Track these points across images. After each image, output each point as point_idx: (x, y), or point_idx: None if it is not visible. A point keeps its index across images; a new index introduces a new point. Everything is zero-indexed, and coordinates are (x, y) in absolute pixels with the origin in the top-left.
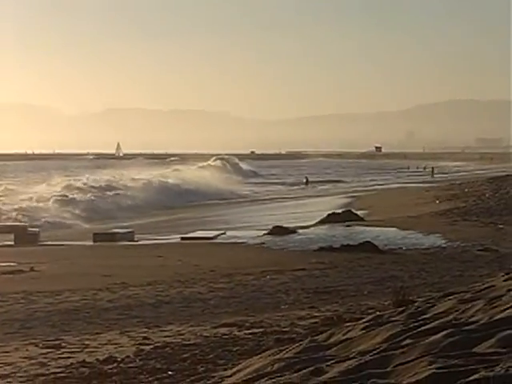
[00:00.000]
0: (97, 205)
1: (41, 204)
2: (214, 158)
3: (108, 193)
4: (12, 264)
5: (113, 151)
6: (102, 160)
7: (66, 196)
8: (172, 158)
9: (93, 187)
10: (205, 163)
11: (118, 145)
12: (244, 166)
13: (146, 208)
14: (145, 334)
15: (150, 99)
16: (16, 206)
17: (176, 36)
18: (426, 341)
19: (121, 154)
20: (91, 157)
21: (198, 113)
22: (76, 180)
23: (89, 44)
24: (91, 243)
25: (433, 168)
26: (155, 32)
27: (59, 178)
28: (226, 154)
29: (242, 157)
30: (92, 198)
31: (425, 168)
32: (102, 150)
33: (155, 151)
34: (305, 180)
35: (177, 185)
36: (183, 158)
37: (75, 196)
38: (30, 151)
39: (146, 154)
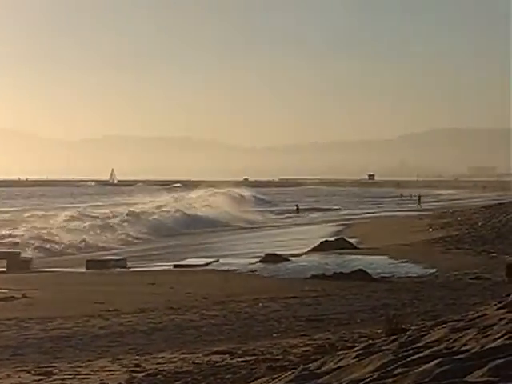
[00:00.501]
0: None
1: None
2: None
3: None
4: (4, 291)
5: (106, 177)
6: (104, 187)
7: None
8: (175, 185)
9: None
10: (212, 190)
11: (112, 171)
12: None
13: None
14: (137, 362)
15: (136, 126)
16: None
17: (164, 63)
18: (418, 370)
19: (115, 181)
20: (93, 183)
21: (184, 139)
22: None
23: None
24: (84, 270)
25: (419, 196)
26: (139, 59)
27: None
28: (220, 181)
29: (236, 184)
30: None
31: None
32: (94, 176)
33: (147, 178)
34: (295, 207)
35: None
36: (186, 185)
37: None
38: (23, 177)
39: (140, 181)
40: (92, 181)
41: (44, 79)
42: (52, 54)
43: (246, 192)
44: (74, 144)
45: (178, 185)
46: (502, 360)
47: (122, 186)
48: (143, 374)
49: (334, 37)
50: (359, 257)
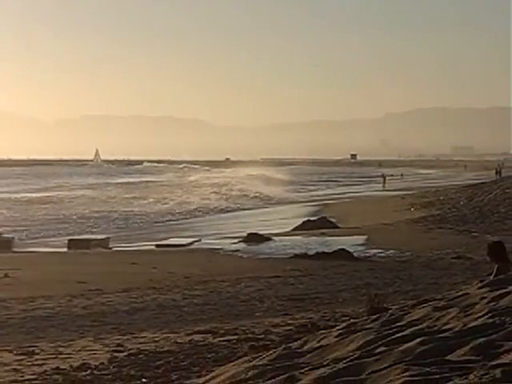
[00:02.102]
0: None
1: None
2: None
3: None
4: None
5: (88, 157)
6: (113, 167)
7: None
8: (184, 165)
9: None
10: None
11: (97, 151)
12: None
13: None
14: (119, 341)
15: (119, 105)
16: None
17: (150, 42)
18: (400, 348)
19: (99, 161)
20: (101, 162)
21: (167, 119)
22: None
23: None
24: (66, 250)
25: (384, 177)
26: (126, 39)
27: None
28: (202, 161)
29: (216, 164)
30: None
31: (401, 175)
32: (78, 156)
33: (131, 157)
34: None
35: None
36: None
37: None
38: (5, 157)
39: (126, 161)
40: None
41: (18, 56)
42: (25, 30)
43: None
44: (52, 124)
45: (184, 165)
46: (484, 339)
47: (130, 165)
48: (125, 353)
49: (318, 16)
50: (341, 236)
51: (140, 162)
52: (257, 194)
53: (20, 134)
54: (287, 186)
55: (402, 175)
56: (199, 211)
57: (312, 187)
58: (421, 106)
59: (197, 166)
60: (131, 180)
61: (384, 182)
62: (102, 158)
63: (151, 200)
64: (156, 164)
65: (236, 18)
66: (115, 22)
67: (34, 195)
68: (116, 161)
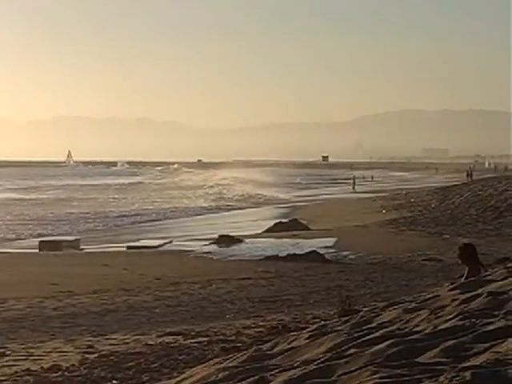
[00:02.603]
0: None
1: None
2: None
3: None
4: None
5: (62, 159)
6: (90, 168)
7: None
8: (175, 166)
9: None
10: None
11: (69, 152)
12: None
13: None
14: (90, 343)
15: (94, 107)
16: None
17: (125, 44)
18: (370, 350)
19: (71, 162)
20: (74, 163)
21: (144, 121)
22: None
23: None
24: (37, 251)
25: (354, 179)
26: (100, 40)
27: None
28: (175, 162)
29: (189, 165)
30: None
31: (372, 177)
32: (50, 157)
33: (104, 159)
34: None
35: None
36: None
37: None
38: None
39: (98, 162)
40: (76, 161)
41: None
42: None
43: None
44: (23, 125)
45: (176, 166)
46: (455, 341)
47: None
48: (96, 355)
49: (290, 19)
50: (313, 238)
51: (114, 164)
52: (242, 196)
53: None
54: (269, 187)
55: (372, 178)
56: (173, 212)
57: (288, 189)
58: (395, 108)
59: (175, 166)
60: (108, 182)
61: (354, 184)
62: (75, 159)
63: (126, 201)
64: (128, 165)
65: (208, 20)
66: (89, 22)
67: (4, 196)
68: (90, 162)
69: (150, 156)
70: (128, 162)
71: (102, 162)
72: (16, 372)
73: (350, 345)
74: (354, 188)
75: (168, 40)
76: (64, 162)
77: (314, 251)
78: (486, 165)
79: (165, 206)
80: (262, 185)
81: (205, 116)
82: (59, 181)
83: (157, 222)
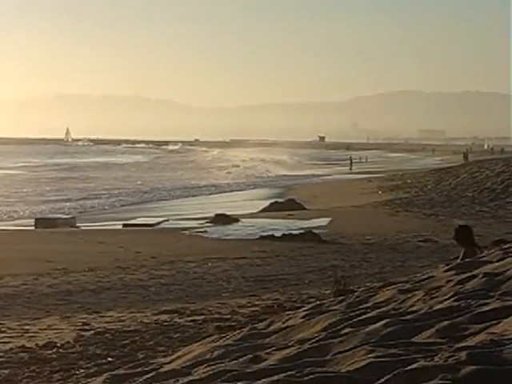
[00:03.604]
0: None
1: None
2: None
3: None
4: None
5: (60, 136)
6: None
7: None
8: (174, 146)
9: None
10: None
11: (68, 130)
12: None
13: None
14: (85, 320)
15: (88, 85)
16: None
17: (124, 23)
18: (366, 330)
19: (70, 140)
20: (86, 143)
21: (135, 99)
22: None
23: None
24: (33, 228)
25: (351, 158)
26: (100, 19)
27: None
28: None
29: (186, 144)
30: None
31: (366, 159)
32: (48, 135)
33: (100, 137)
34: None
35: None
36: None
37: None
38: None
39: (99, 140)
40: (88, 139)
41: None
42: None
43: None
44: (21, 103)
45: (179, 145)
46: (449, 321)
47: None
48: (91, 332)
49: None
50: (308, 218)
51: (117, 142)
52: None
53: None
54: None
55: (366, 159)
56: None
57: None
58: (391, 89)
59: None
60: (125, 160)
61: (351, 165)
62: (74, 137)
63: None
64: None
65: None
66: (86, 3)
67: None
68: (102, 140)
69: (147, 135)
70: (125, 141)
71: (108, 141)
72: (11, 349)
73: (345, 324)
74: (351, 169)
75: (166, 19)
76: (63, 140)
77: (309, 231)
78: (485, 146)
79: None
80: (285, 164)
81: (201, 95)
82: (89, 158)
83: (156, 202)
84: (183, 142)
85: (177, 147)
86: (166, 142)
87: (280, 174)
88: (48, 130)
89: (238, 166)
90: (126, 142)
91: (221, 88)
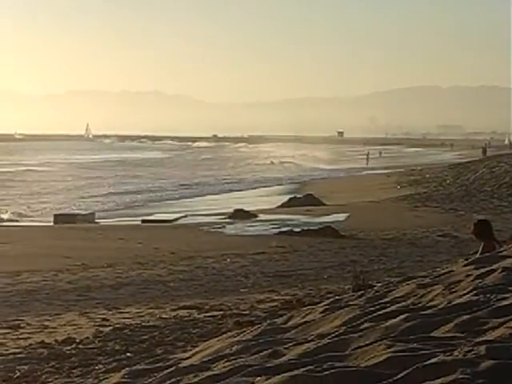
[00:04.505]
0: None
1: None
2: None
3: None
4: None
5: (80, 132)
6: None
7: None
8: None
9: None
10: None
11: (88, 126)
12: None
13: None
14: (104, 316)
15: (106, 81)
16: None
17: (138, 17)
18: (385, 324)
19: (90, 136)
20: (110, 140)
21: (152, 94)
22: None
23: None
24: (51, 224)
25: (368, 155)
26: (113, 13)
27: None
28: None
29: (203, 140)
30: None
31: (380, 154)
32: (66, 131)
33: (119, 133)
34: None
35: None
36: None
37: None
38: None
39: (118, 136)
40: (112, 136)
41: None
42: (10, 5)
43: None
44: (38, 98)
45: (208, 141)
46: (469, 316)
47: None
48: (110, 327)
49: None
50: (327, 213)
51: (136, 138)
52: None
53: (6, 108)
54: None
55: (380, 154)
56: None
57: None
58: (409, 84)
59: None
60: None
61: (367, 160)
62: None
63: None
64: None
65: None
66: None
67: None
68: (128, 137)
69: (164, 130)
70: (143, 137)
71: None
72: (31, 344)
73: (365, 319)
74: (367, 164)
75: (181, 13)
76: (83, 136)
77: (328, 226)
78: (506, 141)
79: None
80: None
81: (216, 90)
82: (130, 154)
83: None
84: (203, 138)
85: (206, 143)
86: (191, 138)
87: (319, 167)
88: (65, 127)
89: (273, 163)
90: (152, 137)
91: (239, 83)
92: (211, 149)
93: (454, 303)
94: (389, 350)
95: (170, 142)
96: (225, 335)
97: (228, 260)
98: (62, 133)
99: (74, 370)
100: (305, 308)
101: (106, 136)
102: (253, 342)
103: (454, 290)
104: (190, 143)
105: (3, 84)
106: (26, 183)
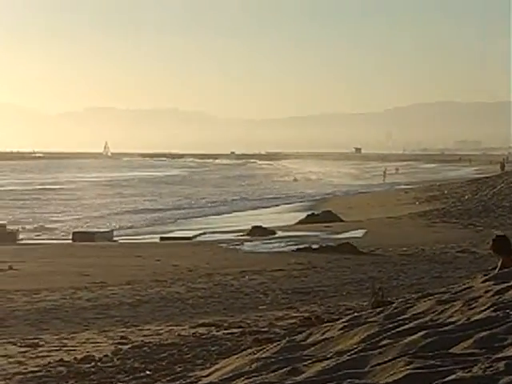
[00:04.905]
0: None
1: None
2: None
3: None
4: None
5: (98, 150)
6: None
7: None
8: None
9: None
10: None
11: (106, 144)
12: None
13: None
14: (123, 334)
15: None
16: None
17: (154, 35)
18: (404, 341)
19: (109, 154)
20: (131, 158)
21: (169, 111)
22: None
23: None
24: (70, 242)
25: (385, 171)
26: (129, 32)
27: None
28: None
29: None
30: None
31: (396, 170)
32: (86, 149)
33: (139, 151)
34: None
35: None
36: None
37: None
38: (7, 150)
39: (139, 154)
40: (137, 154)
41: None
42: (27, 23)
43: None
44: (55, 116)
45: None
46: (488, 332)
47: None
48: (129, 345)
49: (321, 11)
50: (345, 230)
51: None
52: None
53: (23, 126)
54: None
55: (396, 170)
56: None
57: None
58: (427, 100)
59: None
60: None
61: (385, 176)
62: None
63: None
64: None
65: (241, 10)
66: (118, 16)
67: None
68: (153, 155)
69: (181, 148)
70: (164, 155)
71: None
72: (49, 363)
73: (384, 336)
74: (384, 180)
75: (197, 30)
76: (101, 153)
77: (346, 243)
78: None
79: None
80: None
81: (232, 107)
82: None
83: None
84: (223, 155)
85: (227, 161)
86: (212, 155)
87: (339, 183)
88: (83, 144)
89: (296, 180)
90: (172, 155)
91: (255, 100)
92: (231, 166)
93: (472, 319)
94: (408, 367)
95: (191, 159)
96: (244, 352)
97: (246, 277)
98: (81, 150)
99: None
100: (324, 325)
101: (126, 154)
102: (272, 360)
103: (472, 306)
104: (211, 160)
105: (21, 102)
106: (45, 201)
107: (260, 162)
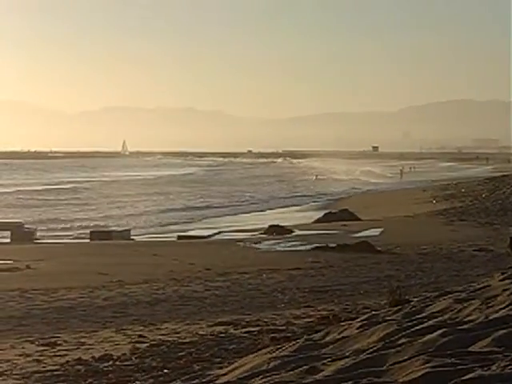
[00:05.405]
0: None
1: None
2: None
3: None
4: (8, 261)
5: (116, 149)
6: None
7: None
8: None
9: None
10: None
11: (124, 143)
12: None
13: None
14: (141, 332)
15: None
16: None
17: (169, 34)
18: (422, 340)
19: (127, 153)
20: (153, 157)
21: (186, 110)
22: None
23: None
24: (88, 241)
25: (402, 169)
26: (144, 31)
27: None
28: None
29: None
30: None
31: (410, 168)
32: (103, 148)
33: (160, 149)
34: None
35: None
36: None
37: None
38: (24, 149)
39: (162, 153)
40: (158, 153)
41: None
42: (46, 24)
43: None
44: (74, 116)
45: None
46: (506, 330)
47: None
48: (147, 344)
49: (332, 10)
50: (363, 228)
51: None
52: None
53: (43, 125)
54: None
55: (410, 168)
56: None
57: None
58: (443, 98)
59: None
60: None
61: (401, 174)
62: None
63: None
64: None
65: (254, 9)
66: (133, 15)
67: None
68: (178, 153)
69: (199, 146)
70: (186, 153)
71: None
72: (67, 361)
73: (402, 334)
74: (401, 178)
75: (215, 29)
76: (119, 152)
77: (364, 241)
78: None
79: None
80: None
81: (248, 105)
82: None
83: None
84: (242, 154)
85: (247, 159)
86: (233, 154)
87: (359, 182)
88: (100, 143)
89: (317, 178)
90: (194, 153)
91: (271, 99)
92: (252, 165)
93: (490, 318)
94: (426, 366)
95: (212, 158)
96: (261, 351)
97: (264, 276)
98: (98, 149)
99: None
100: (341, 323)
101: (148, 153)
102: (290, 358)
103: (490, 304)
104: (232, 159)
105: (37, 101)
106: (63, 200)
107: (277, 161)
